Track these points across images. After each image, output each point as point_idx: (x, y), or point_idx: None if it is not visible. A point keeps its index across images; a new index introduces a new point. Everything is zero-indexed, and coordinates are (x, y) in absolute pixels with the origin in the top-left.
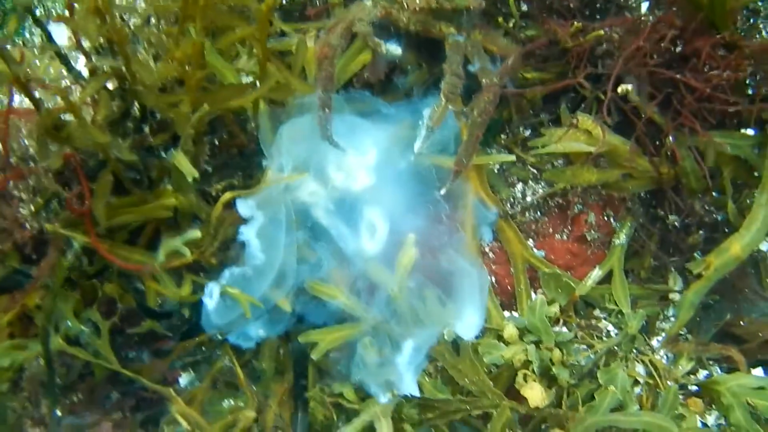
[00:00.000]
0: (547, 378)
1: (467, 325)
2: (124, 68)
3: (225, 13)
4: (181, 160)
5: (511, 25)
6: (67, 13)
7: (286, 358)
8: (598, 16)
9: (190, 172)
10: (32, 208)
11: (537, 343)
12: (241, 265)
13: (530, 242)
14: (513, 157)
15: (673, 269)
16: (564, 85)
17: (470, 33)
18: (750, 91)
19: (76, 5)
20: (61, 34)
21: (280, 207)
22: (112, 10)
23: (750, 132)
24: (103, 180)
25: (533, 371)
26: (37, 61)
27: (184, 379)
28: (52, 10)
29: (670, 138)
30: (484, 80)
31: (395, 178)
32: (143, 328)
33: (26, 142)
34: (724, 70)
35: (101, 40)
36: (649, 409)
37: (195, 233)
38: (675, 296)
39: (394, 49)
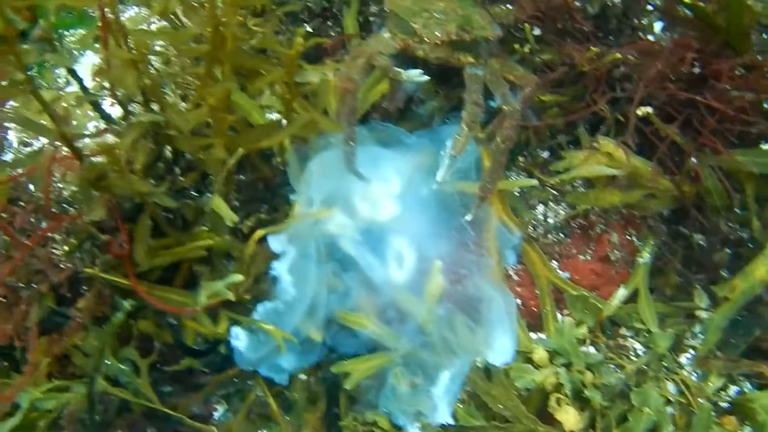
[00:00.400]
0: (580, 400)
1: (500, 351)
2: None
3: (250, 55)
4: (219, 204)
5: (527, 50)
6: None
7: (318, 387)
8: (611, 38)
9: (230, 217)
10: (66, 248)
11: (567, 366)
12: (273, 298)
13: (554, 264)
14: (535, 182)
15: (698, 286)
16: (587, 112)
17: (488, 61)
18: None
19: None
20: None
21: (310, 241)
22: (148, 63)
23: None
24: (143, 225)
25: (566, 394)
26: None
27: (218, 412)
28: (75, 52)
29: (693, 158)
30: (505, 107)
31: (419, 205)
32: (182, 366)
33: (59, 184)
34: (744, 90)
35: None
36: (684, 429)
37: (237, 277)
38: (701, 313)
39: (416, 74)
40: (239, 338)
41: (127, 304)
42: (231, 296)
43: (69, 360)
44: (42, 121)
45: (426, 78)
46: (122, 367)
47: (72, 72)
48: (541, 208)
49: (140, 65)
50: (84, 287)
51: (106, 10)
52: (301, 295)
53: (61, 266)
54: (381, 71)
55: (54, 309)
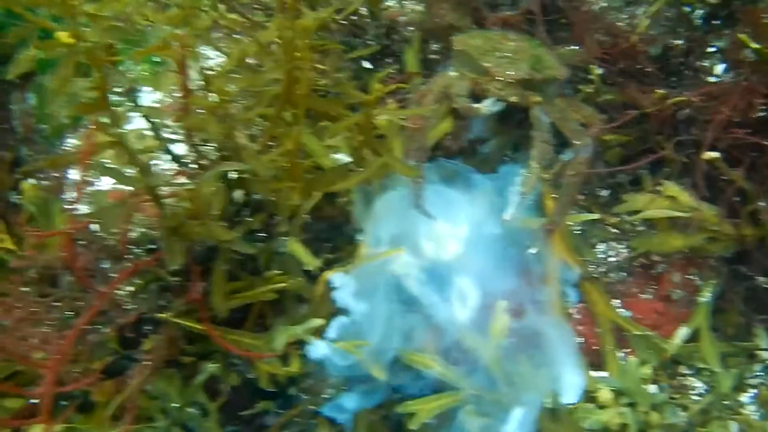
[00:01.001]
0: None
1: (569, 387)
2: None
3: (323, 99)
4: (298, 249)
5: (590, 90)
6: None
7: (381, 428)
8: (674, 79)
9: (312, 263)
10: (131, 289)
11: (631, 405)
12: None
13: (615, 302)
14: (596, 216)
15: (760, 326)
16: (653, 158)
17: (554, 101)
18: None
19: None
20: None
21: (377, 280)
22: (228, 109)
23: None
24: (219, 270)
25: None
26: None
27: None
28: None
29: (761, 203)
30: (575, 141)
31: (483, 242)
32: (258, 409)
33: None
34: None
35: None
36: None
37: (318, 322)
38: (763, 353)
39: (491, 103)
40: (318, 347)
41: (209, 370)
42: (311, 340)
43: (132, 404)
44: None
45: (500, 105)
46: (190, 410)
47: (149, 120)
48: (602, 247)
49: (221, 110)
50: (148, 328)
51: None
52: (369, 333)
53: (127, 308)
54: (462, 111)
55: (118, 352)
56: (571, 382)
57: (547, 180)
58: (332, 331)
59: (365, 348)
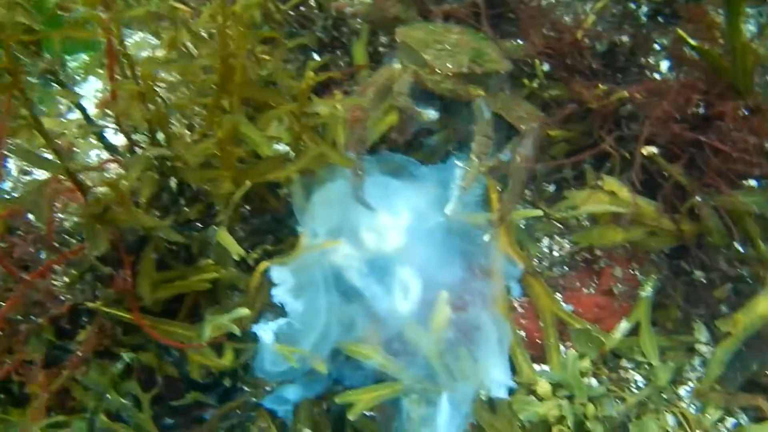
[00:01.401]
0: None
1: (495, 383)
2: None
3: (259, 87)
4: (226, 238)
5: (535, 85)
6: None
7: (322, 419)
8: (620, 75)
9: (237, 251)
10: (66, 279)
11: (570, 398)
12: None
13: (558, 296)
14: (540, 212)
15: (698, 321)
16: (593, 151)
17: (497, 95)
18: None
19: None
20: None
21: (317, 272)
22: (155, 96)
23: (753, 183)
24: (147, 258)
25: (568, 426)
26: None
27: None
28: (77, 77)
29: (697, 198)
30: (522, 127)
31: (426, 235)
32: (188, 400)
33: (61, 215)
34: (747, 132)
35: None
36: None
37: (244, 311)
38: (701, 347)
39: (430, 113)
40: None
41: (127, 356)
42: (237, 330)
43: (68, 394)
44: (46, 155)
45: (436, 116)
46: (123, 401)
47: (78, 106)
48: (546, 241)
49: (148, 97)
50: (85, 319)
51: (112, 40)
52: (309, 327)
53: (62, 298)
54: (401, 108)
55: (53, 342)
56: (497, 380)
57: (489, 174)
58: (270, 334)
59: (305, 340)
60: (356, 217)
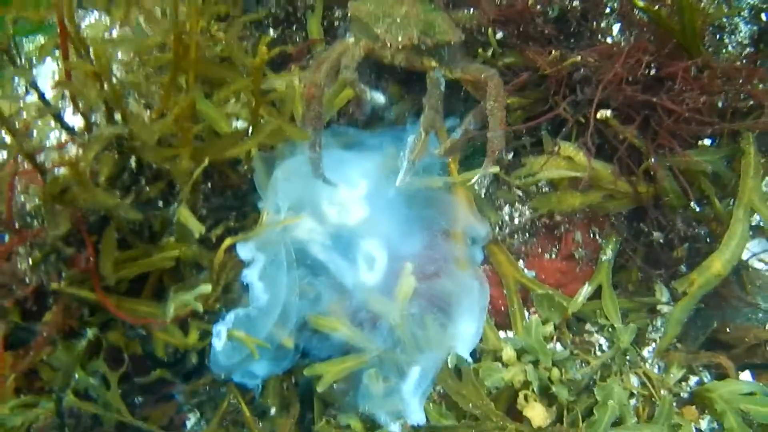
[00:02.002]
0: (547, 397)
1: (464, 337)
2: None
3: (214, 64)
4: (186, 215)
5: (489, 54)
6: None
7: (291, 393)
8: (573, 40)
9: (198, 228)
10: (30, 261)
11: (535, 363)
12: (244, 306)
13: (521, 263)
14: (497, 168)
15: (659, 281)
16: (550, 116)
17: (450, 66)
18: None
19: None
20: (44, 80)
21: (280, 247)
22: (110, 74)
23: (707, 143)
24: (109, 238)
25: (533, 391)
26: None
27: (190, 421)
28: (33, 59)
29: (652, 159)
30: (482, 75)
31: (387, 206)
32: (153, 377)
33: (21, 197)
34: (698, 92)
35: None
36: (646, 420)
37: (206, 288)
38: (663, 307)
39: (378, 97)
40: (220, 338)
41: (91, 333)
42: (199, 307)
43: (37, 375)
44: (2, 135)
45: (384, 100)
46: (91, 380)
47: (32, 84)
48: (507, 209)
49: (102, 76)
50: (50, 301)
51: (64, 20)
52: (272, 302)
53: (26, 280)
54: (347, 84)
55: (19, 324)
56: (466, 333)
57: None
58: (227, 324)
59: (267, 318)
60: (318, 191)
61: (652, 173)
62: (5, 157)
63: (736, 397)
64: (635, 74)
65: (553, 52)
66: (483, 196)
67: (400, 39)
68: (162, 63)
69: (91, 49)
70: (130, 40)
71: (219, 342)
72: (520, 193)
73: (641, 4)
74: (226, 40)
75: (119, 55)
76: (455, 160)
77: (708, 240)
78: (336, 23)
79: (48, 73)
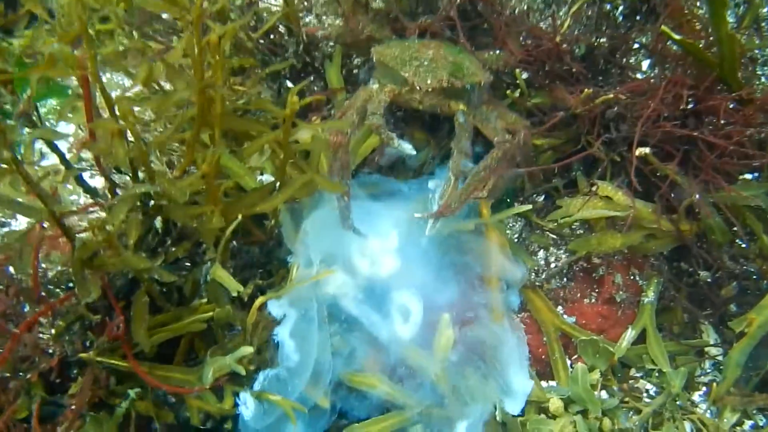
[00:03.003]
0: None
1: (515, 392)
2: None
3: (240, 118)
4: (222, 275)
5: (517, 94)
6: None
7: None
8: (601, 78)
9: (235, 287)
10: (53, 331)
11: (583, 413)
12: (276, 366)
13: (559, 309)
14: (530, 207)
15: (706, 323)
16: (582, 155)
17: (479, 108)
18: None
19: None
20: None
21: (312, 303)
22: (136, 131)
23: (748, 177)
24: (140, 302)
25: None
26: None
27: None
28: (48, 123)
29: (696, 195)
30: (495, 138)
31: (420, 255)
32: None
33: (43, 265)
34: (740, 124)
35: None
36: None
37: (247, 350)
38: (711, 349)
39: (405, 146)
40: (247, 404)
41: (132, 393)
42: (242, 370)
43: None
44: (27, 201)
45: (413, 151)
46: None
47: (54, 147)
48: (542, 253)
49: (130, 134)
50: (75, 371)
51: (88, 78)
52: (304, 360)
53: (50, 351)
54: (375, 131)
55: (45, 398)
56: (517, 387)
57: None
58: (257, 385)
59: (299, 379)
60: (348, 243)
61: (696, 210)
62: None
63: None
64: (673, 109)
65: (585, 90)
66: (516, 241)
67: (429, 82)
68: (185, 120)
69: (116, 108)
70: (152, 98)
71: (247, 410)
72: (553, 236)
73: (677, 37)
74: (249, 92)
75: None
76: (487, 205)
77: (757, 277)
78: (355, 71)
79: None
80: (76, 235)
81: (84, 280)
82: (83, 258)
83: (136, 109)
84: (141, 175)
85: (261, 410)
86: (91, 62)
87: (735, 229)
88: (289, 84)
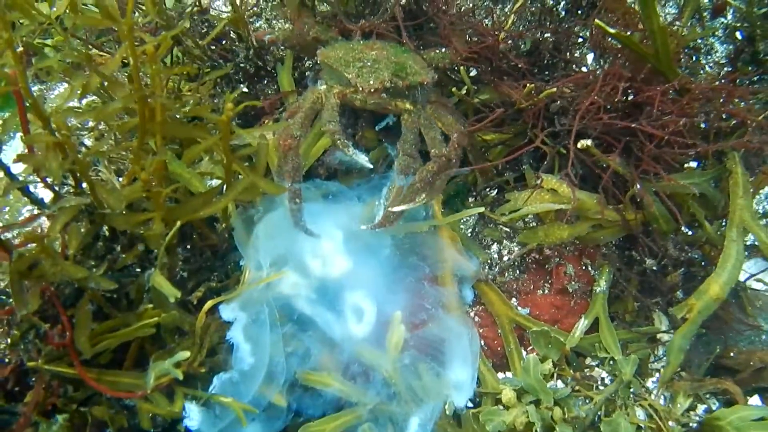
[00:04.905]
0: None
1: (459, 386)
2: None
3: (181, 124)
4: (161, 281)
5: (463, 92)
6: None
7: None
8: (547, 72)
9: (172, 293)
10: (9, 340)
11: (536, 403)
12: (230, 368)
13: (513, 301)
14: (482, 209)
15: (657, 310)
16: (529, 149)
17: (424, 107)
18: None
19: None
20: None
21: (263, 306)
22: (73, 144)
23: (693, 165)
24: (82, 311)
25: None
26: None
27: None
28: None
29: (637, 186)
30: (433, 150)
31: (372, 256)
32: None
33: None
34: (678, 114)
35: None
36: None
37: (184, 354)
38: (663, 336)
39: (363, 159)
40: (191, 417)
41: (61, 419)
42: (179, 375)
43: None
44: None
45: (370, 166)
46: None
47: None
48: (495, 247)
49: (66, 147)
50: (33, 379)
51: (21, 92)
52: (258, 362)
53: (5, 360)
54: (331, 139)
55: (2, 406)
56: (460, 380)
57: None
58: (215, 388)
59: (253, 381)
60: (300, 244)
61: (639, 200)
62: None
63: (747, 424)
64: (612, 101)
65: (528, 85)
66: (469, 235)
67: (372, 82)
68: (129, 128)
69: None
70: (93, 109)
71: (192, 420)
72: (507, 229)
73: (612, 31)
74: (192, 99)
75: (90, 122)
76: (438, 201)
77: (703, 264)
78: (307, 73)
79: (18, 148)
80: (21, 246)
81: (21, 292)
82: (21, 269)
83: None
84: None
85: (212, 416)
86: (21, 78)
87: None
88: (244, 89)
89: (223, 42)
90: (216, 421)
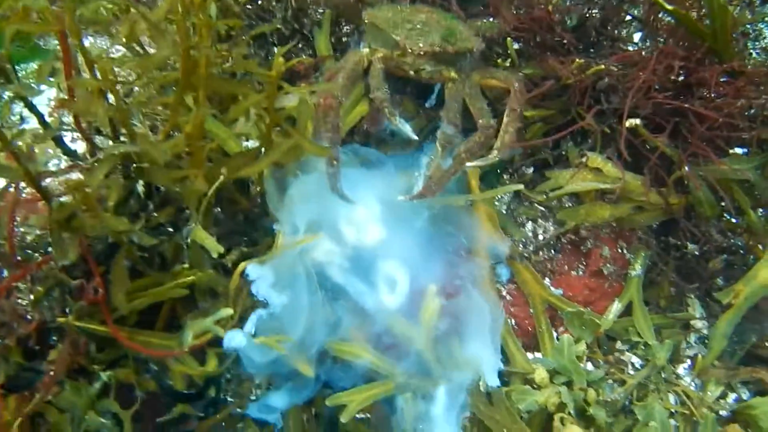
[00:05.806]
0: (584, 419)
1: (488, 368)
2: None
3: (225, 80)
4: (202, 236)
5: (508, 64)
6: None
7: (312, 426)
8: (592, 50)
9: (215, 248)
10: (32, 297)
11: (568, 384)
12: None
13: (547, 281)
14: (521, 186)
15: (692, 296)
16: (575, 128)
17: (470, 75)
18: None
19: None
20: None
21: (298, 268)
22: (117, 91)
23: (738, 151)
24: (119, 266)
25: (569, 413)
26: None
27: None
28: (28, 82)
29: (686, 168)
30: (480, 120)
31: (407, 226)
32: (174, 413)
33: (21, 229)
34: (733, 97)
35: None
36: None
37: (227, 311)
38: (696, 323)
39: (409, 131)
40: (235, 339)
41: (105, 376)
42: (221, 332)
43: (43, 418)
44: (3, 163)
45: (415, 137)
46: (103, 420)
47: (31, 106)
48: (530, 225)
49: (110, 92)
50: (54, 338)
51: (67, 35)
52: (294, 321)
53: (28, 317)
54: (378, 106)
55: (23, 364)
56: (489, 364)
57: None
58: (250, 325)
59: (288, 343)
60: (335, 210)
61: (685, 183)
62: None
63: None
64: (664, 81)
65: (577, 60)
66: (504, 212)
67: (421, 45)
68: (168, 82)
69: (95, 67)
70: (134, 59)
71: (237, 341)
72: (542, 208)
73: (669, 7)
74: (234, 55)
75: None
76: (475, 176)
77: (744, 252)
78: (344, 39)
79: (44, 100)
80: (55, 197)
81: (61, 242)
82: (60, 219)
83: (118, 70)
84: (122, 137)
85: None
86: (69, 17)
87: (724, 203)
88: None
89: (260, 2)
90: (266, 350)
